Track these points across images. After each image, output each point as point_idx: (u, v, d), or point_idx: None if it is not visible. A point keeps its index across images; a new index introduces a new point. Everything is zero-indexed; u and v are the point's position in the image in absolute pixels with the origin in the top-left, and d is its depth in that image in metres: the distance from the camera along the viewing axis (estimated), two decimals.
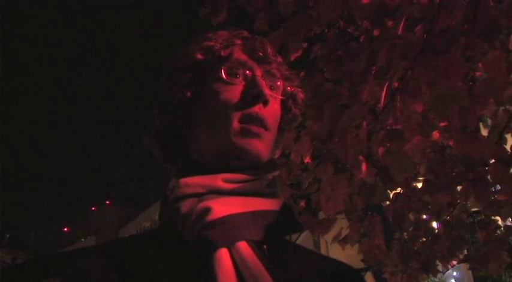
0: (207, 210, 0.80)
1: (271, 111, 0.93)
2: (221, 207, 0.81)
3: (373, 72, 2.21)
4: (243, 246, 0.79)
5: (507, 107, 3.01)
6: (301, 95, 1.05)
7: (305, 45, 2.60)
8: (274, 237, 0.86)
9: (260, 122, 0.90)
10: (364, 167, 2.29)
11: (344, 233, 3.51)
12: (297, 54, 2.50)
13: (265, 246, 0.84)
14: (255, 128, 0.90)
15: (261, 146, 0.91)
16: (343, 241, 3.49)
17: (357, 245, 3.51)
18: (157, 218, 0.96)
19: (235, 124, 0.89)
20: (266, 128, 0.92)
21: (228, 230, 0.80)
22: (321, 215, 3.17)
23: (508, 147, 2.89)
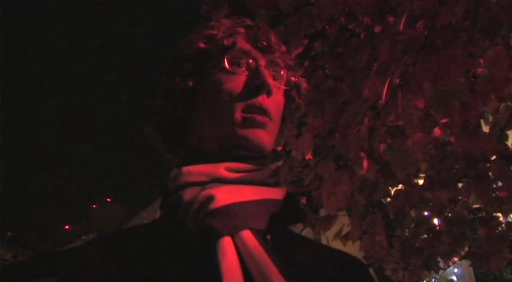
0: (211, 198, 0.79)
1: (274, 102, 0.93)
2: (225, 195, 0.80)
3: (374, 68, 2.20)
4: (246, 234, 0.79)
5: (508, 103, 3.00)
6: (304, 85, 1.05)
7: (306, 41, 2.59)
8: (278, 226, 0.85)
9: (264, 112, 0.89)
10: (365, 163, 2.28)
11: (345, 229, 3.51)
12: (298, 51, 2.49)
13: (268, 236, 0.83)
14: (258, 117, 0.89)
15: (265, 136, 0.90)
16: (344, 238, 3.49)
17: (358, 242, 3.51)
18: (158, 215, 0.95)
19: (238, 114, 0.88)
20: (270, 118, 0.91)
21: (231, 219, 0.79)
22: (322, 212, 3.17)
23: (509, 143, 2.89)
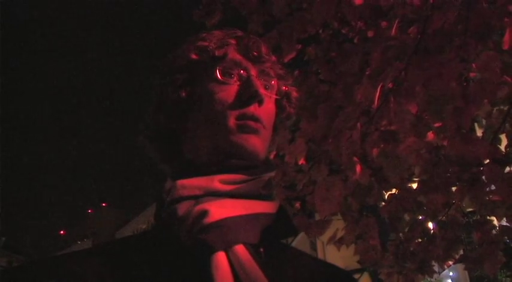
0: (204, 213, 0.79)
1: (266, 111, 0.93)
2: (218, 210, 0.81)
3: (367, 73, 2.21)
4: (240, 249, 0.79)
5: (501, 107, 3.02)
6: (294, 94, 1.05)
7: (299, 46, 2.59)
8: (270, 240, 0.85)
9: (256, 119, 0.90)
10: (358, 168, 2.29)
11: (340, 234, 3.51)
12: (291, 56, 2.50)
13: (261, 250, 0.83)
14: (252, 123, 0.90)
15: (258, 142, 0.91)
16: (338, 242, 3.49)
17: (353, 246, 3.51)
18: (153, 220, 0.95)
19: (232, 121, 0.89)
20: (263, 125, 0.92)
21: (225, 233, 0.79)
22: (317, 217, 3.17)
23: (502, 147, 2.90)
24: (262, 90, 0.92)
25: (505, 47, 2.21)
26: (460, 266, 4.08)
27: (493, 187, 2.76)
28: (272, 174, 0.94)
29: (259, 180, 0.89)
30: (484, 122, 3.25)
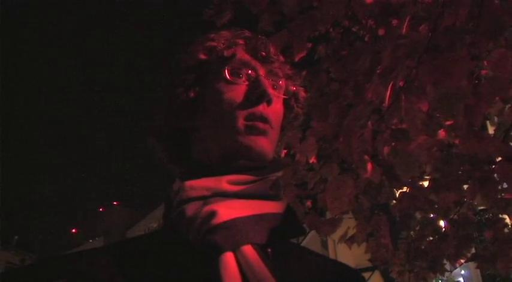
0: (213, 214, 0.80)
1: (274, 111, 0.94)
2: (226, 211, 0.81)
3: (377, 71, 2.20)
4: (248, 250, 0.79)
5: None
6: (302, 94, 1.06)
7: (309, 45, 2.59)
8: (278, 240, 0.86)
9: (265, 120, 0.91)
10: (369, 166, 2.29)
11: (351, 232, 3.51)
12: (301, 55, 2.49)
13: (269, 250, 0.84)
14: (260, 125, 0.90)
15: (266, 143, 0.91)
16: (349, 240, 3.49)
17: (364, 244, 3.51)
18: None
19: (240, 122, 0.89)
20: (271, 126, 0.92)
21: (233, 234, 0.79)
22: (328, 215, 3.17)
23: None
24: (270, 90, 0.93)
25: None
26: (472, 265, 4.06)
27: (505, 185, 2.74)
28: (279, 174, 0.95)
29: (266, 180, 0.90)
30: (496, 119, 3.23)
